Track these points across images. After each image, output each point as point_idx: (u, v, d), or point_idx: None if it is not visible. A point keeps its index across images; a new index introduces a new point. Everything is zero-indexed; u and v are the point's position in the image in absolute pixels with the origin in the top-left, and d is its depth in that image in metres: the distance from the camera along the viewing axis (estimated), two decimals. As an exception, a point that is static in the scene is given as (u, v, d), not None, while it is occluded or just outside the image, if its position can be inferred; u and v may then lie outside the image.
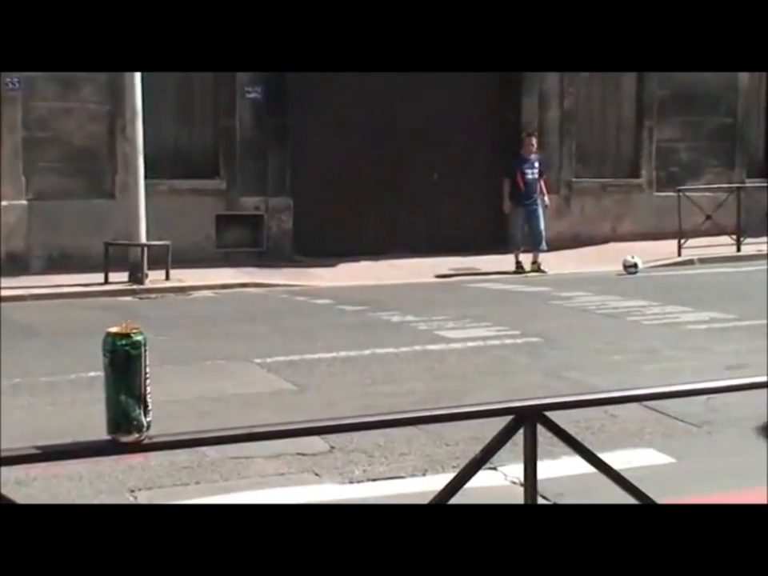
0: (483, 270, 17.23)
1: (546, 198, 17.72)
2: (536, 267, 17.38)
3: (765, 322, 10.79)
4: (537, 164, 17.49)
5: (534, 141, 17.72)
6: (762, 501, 3.74)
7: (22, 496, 5.14)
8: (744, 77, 20.97)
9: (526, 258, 17.48)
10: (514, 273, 17.17)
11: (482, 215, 19.61)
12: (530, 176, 17.35)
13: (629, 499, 3.20)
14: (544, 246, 17.47)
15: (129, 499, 6.10)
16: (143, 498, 6.12)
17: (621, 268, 17.05)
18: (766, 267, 14.35)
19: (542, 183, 17.60)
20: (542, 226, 17.47)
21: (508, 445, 3.20)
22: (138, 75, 15.50)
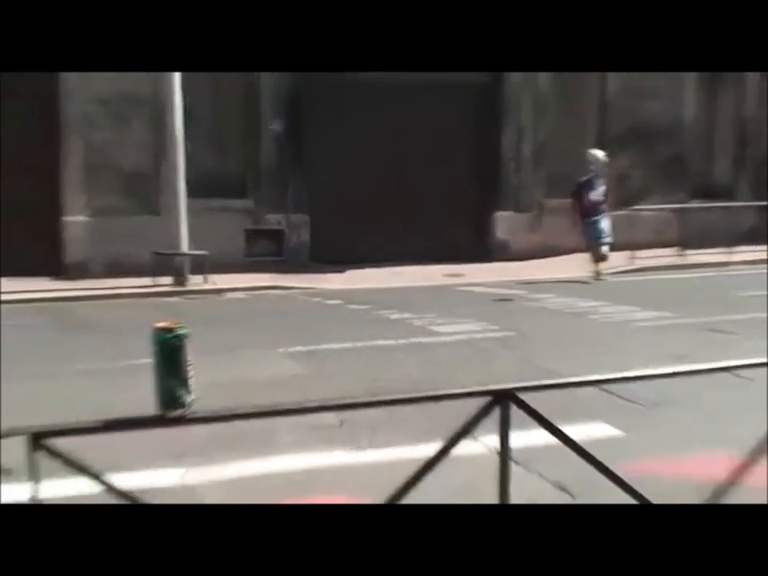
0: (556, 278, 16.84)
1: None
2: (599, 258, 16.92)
3: (702, 320, 10.83)
4: (602, 188, 17.08)
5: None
6: (722, 469, 3.49)
7: (87, 459, 5.16)
8: (690, 112, 20.97)
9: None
10: (595, 279, 16.71)
11: (468, 229, 19.66)
12: (593, 198, 16.98)
13: (621, 495, 3.14)
14: (608, 241, 16.97)
15: (176, 463, 6.10)
16: (186, 461, 6.12)
17: (584, 275, 17.04)
18: (703, 275, 14.34)
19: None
20: (606, 229, 17.00)
21: (489, 421, 3.23)
22: (179, 111, 15.56)
